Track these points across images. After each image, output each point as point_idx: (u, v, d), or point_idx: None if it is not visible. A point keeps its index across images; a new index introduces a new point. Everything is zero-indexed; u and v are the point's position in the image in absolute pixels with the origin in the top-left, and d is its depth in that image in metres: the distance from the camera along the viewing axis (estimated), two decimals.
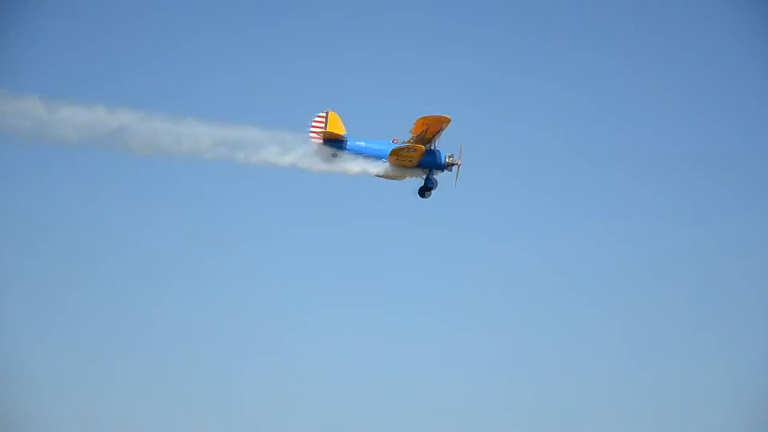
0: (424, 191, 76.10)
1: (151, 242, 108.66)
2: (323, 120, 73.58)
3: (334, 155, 73.68)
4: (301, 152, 73.07)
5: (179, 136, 71.70)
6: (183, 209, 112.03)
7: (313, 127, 73.53)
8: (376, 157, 74.19)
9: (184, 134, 71.76)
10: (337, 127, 73.55)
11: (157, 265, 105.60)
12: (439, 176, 75.28)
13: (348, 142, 73.76)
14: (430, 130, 72.53)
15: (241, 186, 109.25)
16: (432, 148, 74.50)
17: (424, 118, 71.62)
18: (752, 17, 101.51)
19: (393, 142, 74.77)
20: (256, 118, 73.23)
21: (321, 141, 73.26)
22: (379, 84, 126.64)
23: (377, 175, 75.03)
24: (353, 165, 73.89)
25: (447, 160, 74.84)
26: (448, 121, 71.62)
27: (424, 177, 75.59)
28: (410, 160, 73.71)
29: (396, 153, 73.07)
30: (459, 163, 74.78)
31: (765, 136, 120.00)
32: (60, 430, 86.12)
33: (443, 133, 73.47)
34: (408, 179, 76.13)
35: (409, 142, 74.25)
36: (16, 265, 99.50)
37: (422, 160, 74.21)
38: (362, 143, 74.14)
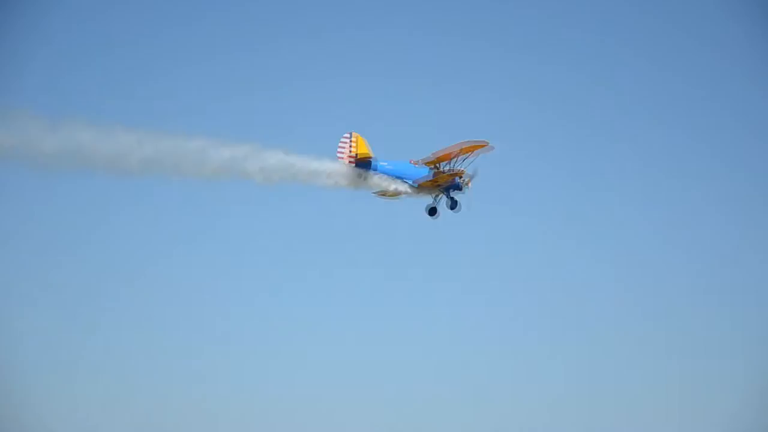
0: (434, 211, 78.26)
1: (178, 259, 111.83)
2: (351, 142, 74.37)
3: (362, 176, 74.69)
4: (332, 173, 73.71)
5: (202, 156, 71.12)
6: (210, 228, 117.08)
7: (343, 149, 74.23)
8: (402, 177, 75.81)
9: (208, 155, 71.16)
10: (364, 149, 74.61)
11: (186, 282, 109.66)
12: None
13: (375, 164, 74.97)
14: (461, 154, 74.73)
15: (275, 206, 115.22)
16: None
17: (466, 144, 73.57)
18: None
19: (411, 162, 76.61)
20: (275, 139, 74.13)
21: (351, 163, 74.10)
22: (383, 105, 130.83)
23: (374, 193, 76.77)
24: (381, 184, 75.31)
25: (460, 180, 77.32)
26: (487, 146, 73.94)
27: (437, 197, 77.75)
28: (441, 183, 75.75)
29: (438, 177, 74.85)
30: (470, 184, 77.45)
31: None
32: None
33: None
34: (402, 198, 78.18)
35: (427, 163, 76.33)
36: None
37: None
38: (387, 164, 75.54)
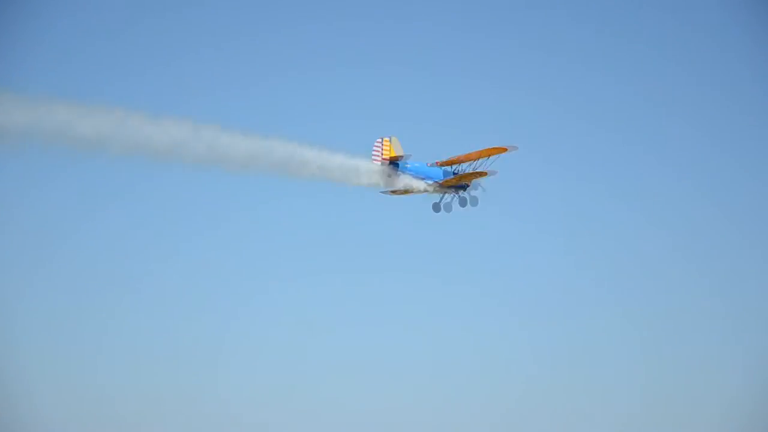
0: (439, 207, 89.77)
1: (201, 250, 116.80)
2: (385, 144, 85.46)
3: (392, 175, 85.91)
4: (368, 172, 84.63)
5: (249, 151, 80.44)
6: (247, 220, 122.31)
7: (377, 151, 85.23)
8: (425, 177, 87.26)
9: (254, 150, 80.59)
10: (395, 151, 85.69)
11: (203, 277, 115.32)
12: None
13: (403, 164, 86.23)
14: (482, 157, 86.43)
15: (313, 202, 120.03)
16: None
17: (496, 148, 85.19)
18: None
19: (432, 164, 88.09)
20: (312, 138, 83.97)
21: (384, 163, 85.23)
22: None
23: (382, 192, 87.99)
24: (408, 182, 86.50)
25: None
26: (515, 149, 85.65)
27: (445, 195, 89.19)
28: (459, 182, 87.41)
29: (462, 177, 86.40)
30: (479, 182, 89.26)
31: None
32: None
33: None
34: (411, 195, 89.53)
35: (443, 163, 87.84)
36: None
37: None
38: (413, 165, 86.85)
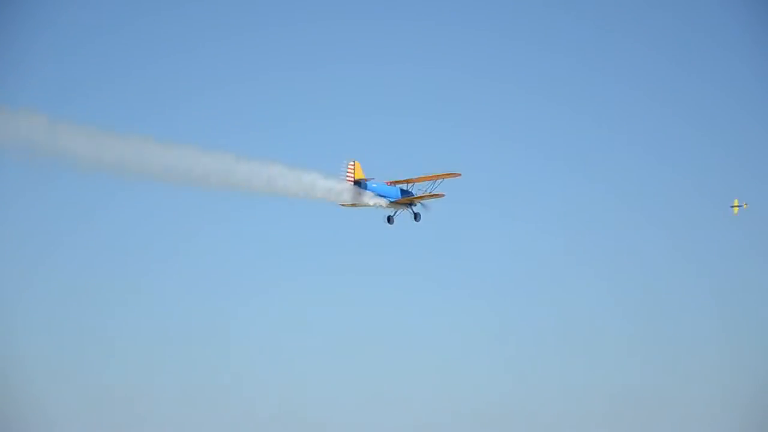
0: (392, 219, 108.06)
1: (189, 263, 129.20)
2: (352, 167, 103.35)
3: (358, 193, 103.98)
4: (337, 191, 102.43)
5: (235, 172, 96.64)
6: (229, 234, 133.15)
7: (348, 172, 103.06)
8: (384, 196, 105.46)
9: (239, 171, 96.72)
10: (360, 173, 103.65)
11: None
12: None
13: (367, 184, 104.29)
14: (434, 179, 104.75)
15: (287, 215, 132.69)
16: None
17: (444, 173, 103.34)
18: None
19: (387, 184, 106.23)
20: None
21: (352, 183, 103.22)
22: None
23: (341, 204, 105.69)
24: (370, 200, 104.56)
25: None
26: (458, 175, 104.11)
27: (398, 210, 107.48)
28: (413, 201, 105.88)
29: (416, 198, 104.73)
30: (422, 201, 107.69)
31: None
32: None
33: None
34: (369, 207, 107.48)
35: (397, 182, 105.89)
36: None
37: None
38: (375, 185, 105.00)
